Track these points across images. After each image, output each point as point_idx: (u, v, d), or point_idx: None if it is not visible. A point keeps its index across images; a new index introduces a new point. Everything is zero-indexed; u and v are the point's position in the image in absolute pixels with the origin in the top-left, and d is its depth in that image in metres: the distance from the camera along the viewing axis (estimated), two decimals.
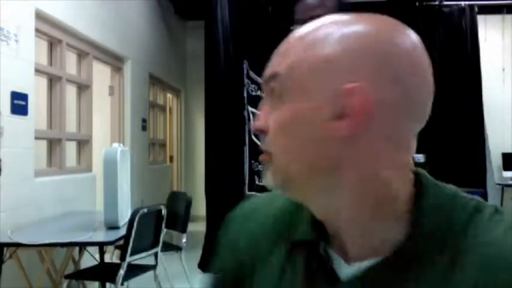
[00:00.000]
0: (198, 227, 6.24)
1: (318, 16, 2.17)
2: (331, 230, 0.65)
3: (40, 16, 3.81)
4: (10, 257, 3.05)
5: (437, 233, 0.60)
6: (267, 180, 0.65)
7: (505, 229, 0.59)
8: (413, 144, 0.64)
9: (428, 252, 0.60)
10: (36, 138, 3.80)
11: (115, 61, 5.54)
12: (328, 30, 0.63)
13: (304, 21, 2.03)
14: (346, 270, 0.63)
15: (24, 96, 3.54)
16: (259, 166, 5.82)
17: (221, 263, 0.79)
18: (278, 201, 0.76)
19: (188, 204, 4.12)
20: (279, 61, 0.63)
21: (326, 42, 0.61)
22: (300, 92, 0.61)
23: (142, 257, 3.26)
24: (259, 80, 5.30)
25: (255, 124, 0.66)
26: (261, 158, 0.66)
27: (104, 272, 3.53)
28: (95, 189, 4.73)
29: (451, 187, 0.65)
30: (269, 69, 0.65)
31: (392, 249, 0.61)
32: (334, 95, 0.59)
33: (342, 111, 0.58)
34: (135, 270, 3.29)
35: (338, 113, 0.58)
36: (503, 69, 7.48)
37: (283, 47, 0.65)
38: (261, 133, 0.65)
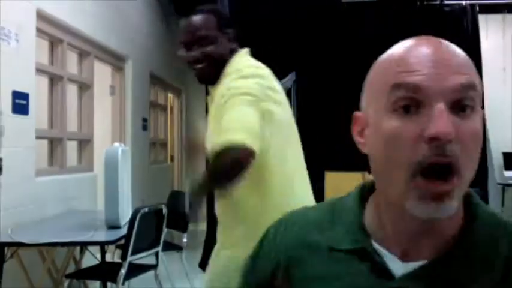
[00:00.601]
0: (199, 226, 6.24)
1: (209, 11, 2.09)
2: (399, 233, 0.70)
3: (41, 15, 3.81)
4: (11, 256, 3.05)
5: (488, 242, 0.68)
6: (446, 206, 0.64)
7: None
8: None
9: (479, 256, 0.67)
10: (37, 137, 3.80)
11: (116, 61, 5.54)
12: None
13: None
14: (399, 267, 0.69)
15: (25, 96, 3.54)
16: None
17: (258, 265, 0.86)
18: (311, 215, 0.83)
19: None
20: (466, 77, 0.66)
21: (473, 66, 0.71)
22: (479, 106, 0.67)
23: (143, 257, 3.26)
24: None
25: (447, 129, 0.62)
26: (450, 185, 0.63)
27: (105, 271, 3.53)
28: (95, 189, 4.73)
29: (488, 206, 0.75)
30: (463, 78, 0.66)
31: (444, 251, 0.68)
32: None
33: None
34: (136, 270, 3.29)
35: None
36: (504, 69, 7.48)
37: (458, 58, 0.69)
38: (448, 143, 0.63)
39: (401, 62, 0.68)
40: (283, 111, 1.83)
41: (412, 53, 0.68)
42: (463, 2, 6.72)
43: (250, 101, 1.68)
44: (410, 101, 0.65)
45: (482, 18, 6.98)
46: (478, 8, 6.81)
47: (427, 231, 0.69)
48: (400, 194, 0.66)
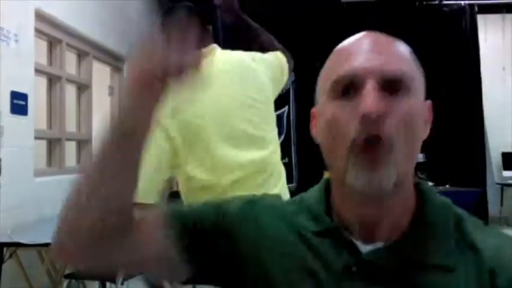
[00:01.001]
0: None
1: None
2: (362, 220, 0.74)
3: (40, 16, 3.81)
4: (10, 256, 3.05)
5: (438, 223, 0.74)
6: (382, 174, 0.67)
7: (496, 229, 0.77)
8: None
9: (431, 238, 0.72)
10: (36, 138, 3.79)
11: (115, 61, 5.54)
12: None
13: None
14: (363, 248, 0.74)
15: (24, 96, 3.54)
16: None
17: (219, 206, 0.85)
18: (284, 206, 0.86)
19: None
20: (398, 61, 0.72)
21: (414, 60, 0.76)
22: (417, 92, 0.72)
23: None
24: None
25: (374, 106, 0.67)
26: (380, 152, 0.67)
27: None
28: None
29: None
30: (394, 65, 0.71)
31: (398, 234, 0.73)
32: (424, 105, 0.75)
33: (426, 119, 0.75)
34: None
35: (425, 119, 0.75)
36: (504, 69, 7.48)
37: (394, 49, 0.74)
38: (378, 118, 0.67)
39: (341, 54, 0.75)
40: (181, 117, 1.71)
41: (351, 45, 0.76)
42: (462, 2, 6.73)
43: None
44: (347, 86, 0.71)
45: (481, 18, 6.99)
46: (476, 8, 6.82)
47: (380, 216, 0.73)
48: (342, 171, 0.70)
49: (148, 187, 1.64)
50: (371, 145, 0.67)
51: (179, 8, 1.90)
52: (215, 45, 1.92)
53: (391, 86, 0.69)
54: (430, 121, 0.77)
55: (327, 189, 0.81)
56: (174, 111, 1.67)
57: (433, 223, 0.74)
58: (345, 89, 0.71)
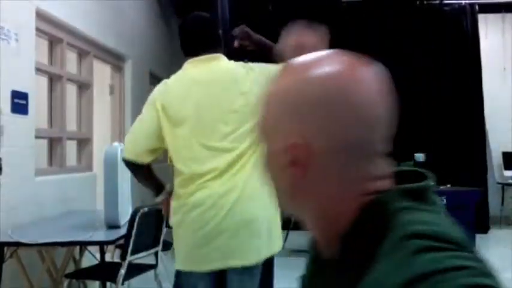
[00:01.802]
0: None
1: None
2: None
3: (41, 15, 3.81)
4: (11, 256, 3.05)
5: (354, 245, 0.68)
6: None
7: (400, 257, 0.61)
8: (372, 169, 0.69)
9: (346, 258, 0.69)
10: (37, 137, 3.79)
11: (115, 60, 5.54)
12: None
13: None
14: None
15: (24, 95, 3.54)
16: None
17: None
18: None
19: None
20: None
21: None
22: (267, 139, 0.74)
23: (143, 257, 3.26)
24: None
25: None
26: None
27: (105, 271, 3.53)
28: (95, 189, 4.73)
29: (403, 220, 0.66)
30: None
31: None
32: (285, 147, 0.70)
33: (293, 160, 0.69)
34: (135, 270, 3.29)
35: (291, 161, 0.69)
36: (504, 68, 7.48)
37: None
38: None
39: None
40: (176, 109, 2.13)
41: None
42: (463, 2, 6.72)
43: (147, 105, 2.19)
44: None
45: (481, 18, 6.98)
46: (477, 8, 6.81)
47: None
48: None
49: (135, 148, 2.21)
50: None
51: (194, 17, 2.12)
52: (220, 55, 2.17)
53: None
54: (293, 163, 0.69)
55: None
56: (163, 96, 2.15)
57: (350, 243, 0.69)
58: None
